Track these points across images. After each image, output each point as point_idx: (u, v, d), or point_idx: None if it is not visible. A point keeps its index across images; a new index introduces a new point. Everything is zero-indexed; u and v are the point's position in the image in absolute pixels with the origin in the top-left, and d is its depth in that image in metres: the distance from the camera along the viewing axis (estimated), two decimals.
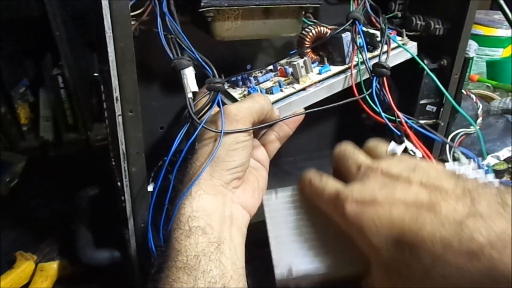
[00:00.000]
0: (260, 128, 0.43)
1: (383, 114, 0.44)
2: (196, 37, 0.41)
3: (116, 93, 0.38)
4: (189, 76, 0.39)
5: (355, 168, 0.38)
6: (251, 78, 0.48)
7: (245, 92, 0.47)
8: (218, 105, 0.40)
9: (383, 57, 0.48)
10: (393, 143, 0.38)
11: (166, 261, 0.35)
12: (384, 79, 0.47)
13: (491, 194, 0.30)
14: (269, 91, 0.46)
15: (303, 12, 0.47)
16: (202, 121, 0.38)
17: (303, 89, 0.47)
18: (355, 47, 0.47)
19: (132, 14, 0.38)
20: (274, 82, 0.47)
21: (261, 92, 0.46)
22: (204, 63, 0.40)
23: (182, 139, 0.40)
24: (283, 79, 0.48)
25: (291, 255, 0.39)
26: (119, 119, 0.39)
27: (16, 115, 0.81)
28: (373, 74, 0.46)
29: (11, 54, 0.80)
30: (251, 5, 0.43)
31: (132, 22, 0.38)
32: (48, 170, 0.75)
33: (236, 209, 0.41)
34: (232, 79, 0.48)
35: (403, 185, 0.33)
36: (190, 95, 0.39)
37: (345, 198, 0.35)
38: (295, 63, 0.46)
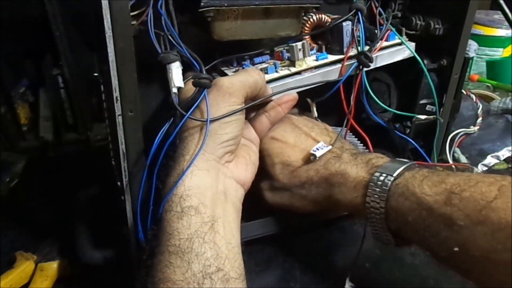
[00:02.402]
0: (251, 106, 0.43)
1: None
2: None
3: (116, 93, 0.39)
4: (174, 70, 0.39)
5: None
6: (247, 57, 0.48)
7: (239, 70, 0.47)
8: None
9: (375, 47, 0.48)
10: (321, 143, 0.47)
11: (158, 246, 0.35)
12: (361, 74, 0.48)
13: (351, 153, 0.45)
14: (263, 70, 0.46)
15: (303, 12, 0.48)
16: (188, 112, 0.38)
17: (298, 73, 0.47)
18: (354, 38, 0.48)
19: (132, 14, 0.38)
20: (270, 64, 0.48)
21: None
22: (192, 59, 0.40)
23: (164, 135, 0.40)
24: (279, 62, 0.48)
25: None
26: (119, 119, 0.39)
27: (16, 115, 0.81)
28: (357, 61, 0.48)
29: (11, 54, 0.80)
30: (251, 5, 0.43)
31: (132, 22, 0.38)
32: (48, 170, 0.75)
33: (230, 184, 0.41)
34: (227, 58, 0.48)
35: (304, 136, 0.48)
36: (174, 90, 0.39)
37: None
38: (293, 45, 0.46)
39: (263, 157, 0.48)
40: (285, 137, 0.48)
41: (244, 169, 0.43)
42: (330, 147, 0.46)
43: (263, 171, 0.49)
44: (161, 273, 0.33)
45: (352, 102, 0.48)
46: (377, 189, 0.40)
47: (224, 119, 0.39)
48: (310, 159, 0.45)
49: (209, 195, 0.37)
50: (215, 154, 0.39)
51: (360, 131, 0.50)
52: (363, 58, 0.47)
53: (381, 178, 0.40)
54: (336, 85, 0.47)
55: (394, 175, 0.40)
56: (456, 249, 0.34)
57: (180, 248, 0.34)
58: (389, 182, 0.39)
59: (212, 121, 0.39)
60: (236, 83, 0.41)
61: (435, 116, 0.54)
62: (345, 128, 0.49)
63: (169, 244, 0.34)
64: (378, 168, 0.42)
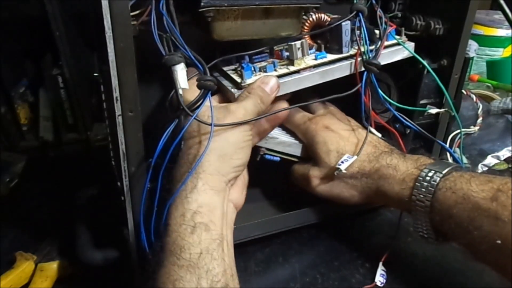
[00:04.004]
0: (255, 120, 0.44)
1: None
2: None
3: (116, 93, 0.38)
4: (179, 72, 0.39)
5: (320, 108, 0.56)
6: (246, 56, 0.48)
7: (239, 68, 0.47)
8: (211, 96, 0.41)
9: (379, 52, 0.49)
10: (346, 155, 0.48)
11: (167, 257, 0.35)
12: (373, 76, 0.48)
13: (400, 152, 0.49)
14: (262, 69, 0.46)
15: (303, 12, 0.47)
16: (194, 113, 0.38)
17: (297, 71, 0.47)
18: (358, 39, 0.48)
19: (132, 14, 0.38)
20: (269, 63, 0.48)
21: (254, 69, 0.46)
22: (196, 61, 0.40)
23: (168, 137, 0.40)
24: (278, 60, 0.48)
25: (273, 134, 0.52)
26: (119, 119, 0.39)
27: (16, 115, 0.81)
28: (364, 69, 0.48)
29: (11, 54, 0.79)
30: (251, 5, 0.43)
31: (132, 22, 0.38)
32: (48, 170, 0.75)
33: (229, 207, 0.42)
34: (226, 57, 0.48)
35: (356, 132, 0.51)
36: (180, 91, 0.39)
37: (317, 122, 0.52)
38: (292, 43, 0.46)
39: (316, 143, 0.50)
40: (339, 129, 0.51)
41: (241, 193, 0.44)
42: (355, 157, 0.47)
43: (314, 159, 0.51)
44: (171, 286, 0.34)
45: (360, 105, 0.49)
46: (425, 183, 0.42)
47: (239, 144, 0.41)
48: (335, 173, 0.47)
49: (218, 214, 0.38)
50: (227, 177, 0.40)
51: (394, 131, 0.53)
52: (370, 67, 0.47)
53: (430, 174, 0.42)
54: (361, 99, 0.49)
55: (443, 172, 0.42)
56: (498, 241, 0.36)
57: (191, 262, 0.34)
58: (438, 178, 0.42)
59: (231, 130, 0.40)
60: (250, 112, 0.42)
61: (446, 109, 0.54)
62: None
63: (180, 258, 0.35)
64: (427, 165, 0.44)
